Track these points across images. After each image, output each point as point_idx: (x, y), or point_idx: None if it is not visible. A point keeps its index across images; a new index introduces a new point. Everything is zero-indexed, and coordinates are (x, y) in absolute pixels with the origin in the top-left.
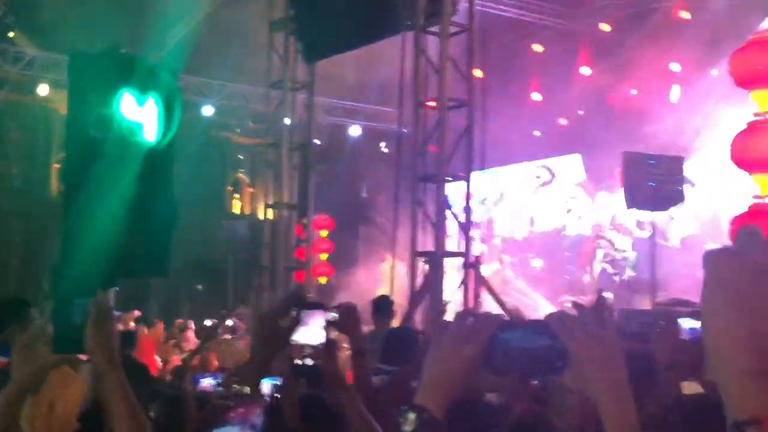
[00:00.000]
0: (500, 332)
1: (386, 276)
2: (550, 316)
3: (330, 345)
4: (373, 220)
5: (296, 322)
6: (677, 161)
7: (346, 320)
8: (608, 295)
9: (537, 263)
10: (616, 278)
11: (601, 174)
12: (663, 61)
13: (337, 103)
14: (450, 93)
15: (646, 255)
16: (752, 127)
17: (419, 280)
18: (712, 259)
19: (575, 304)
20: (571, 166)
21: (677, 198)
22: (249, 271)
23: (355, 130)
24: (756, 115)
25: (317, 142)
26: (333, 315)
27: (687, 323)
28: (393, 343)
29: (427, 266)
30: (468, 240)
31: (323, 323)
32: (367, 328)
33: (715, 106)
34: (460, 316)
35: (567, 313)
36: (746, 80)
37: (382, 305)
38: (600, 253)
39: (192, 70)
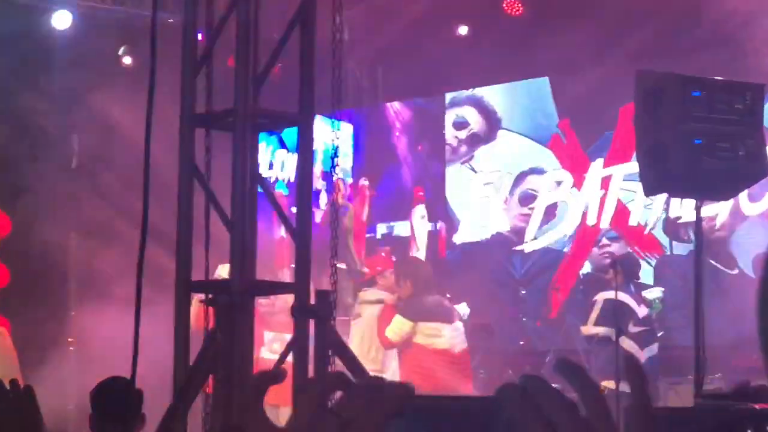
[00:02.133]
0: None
1: None
2: (503, 389)
3: None
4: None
5: None
6: (756, 92)
7: None
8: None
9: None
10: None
11: (586, 125)
12: None
13: None
14: None
15: (681, 291)
16: None
17: None
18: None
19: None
20: (511, 109)
21: (755, 170)
22: None
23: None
24: None
25: None
26: None
27: None
28: None
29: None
30: (304, 251)
31: None
32: None
33: None
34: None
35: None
36: None
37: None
38: (596, 290)
39: None
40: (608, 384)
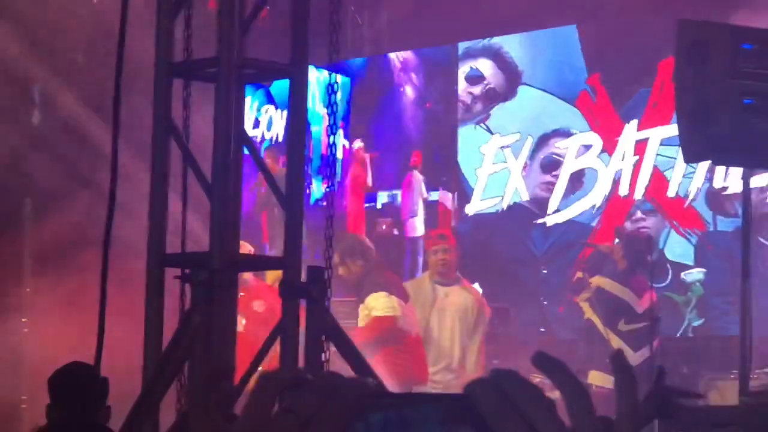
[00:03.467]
0: (361, 419)
1: None
2: (471, 384)
3: None
4: None
5: None
6: None
7: None
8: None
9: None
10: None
11: (619, 82)
12: None
13: None
14: None
15: (726, 274)
16: None
17: None
18: None
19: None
20: (533, 61)
21: None
22: None
23: None
24: None
25: None
26: None
27: None
28: None
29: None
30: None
31: None
32: None
33: None
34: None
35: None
36: None
37: None
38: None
39: None
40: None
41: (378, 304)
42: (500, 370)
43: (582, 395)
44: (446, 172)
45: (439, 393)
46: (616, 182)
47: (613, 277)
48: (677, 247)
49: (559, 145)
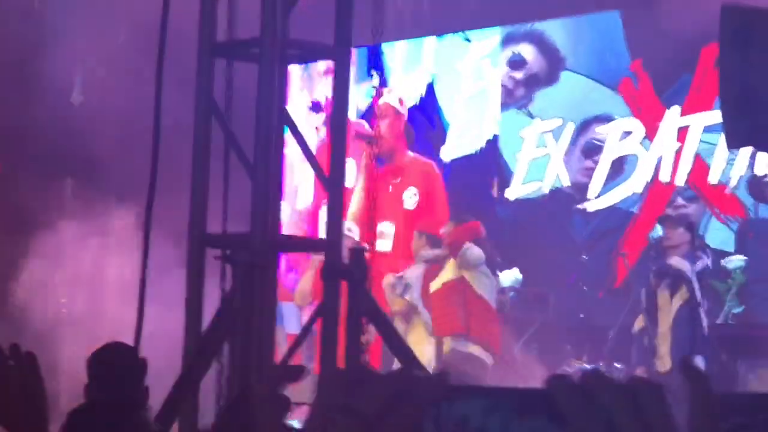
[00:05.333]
0: (442, 408)
1: None
2: (555, 383)
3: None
4: None
5: None
6: None
7: None
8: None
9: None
10: (702, 318)
11: (662, 67)
12: None
13: None
14: None
15: (766, 261)
16: None
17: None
18: None
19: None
20: (576, 47)
21: None
22: None
23: None
24: None
25: None
26: None
27: None
28: None
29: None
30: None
31: None
32: None
33: None
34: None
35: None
36: None
37: None
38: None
39: None
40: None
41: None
42: (587, 371)
43: (709, 416)
44: (488, 157)
45: (512, 387)
46: (657, 168)
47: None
48: (718, 234)
49: (600, 131)
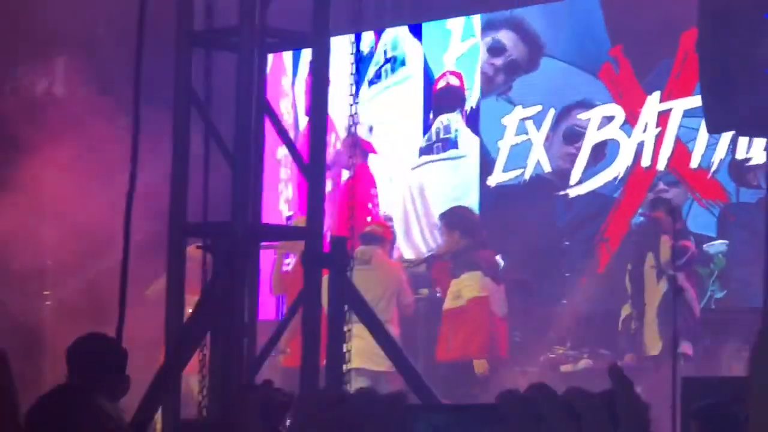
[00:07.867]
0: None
1: None
2: (502, 397)
3: None
4: None
5: None
6: None
7: None
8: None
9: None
10: (690, 302)
11: (642, 53)
12: None
13: None
14: None
15: (749, 245)
16: None
17: None
18: None
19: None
20: (555, 33)
21: None
22: None
23: None
24: None
25: None
26: None
27: None
28: None
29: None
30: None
31: None
32: None
33: None
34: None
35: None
36: None
37: None
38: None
39: None
40: None
41: (472, 283)
42: (534, 385)
43: (637, 417)
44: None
45: (475, 404)
46: (638, 154)
47: None
48: (700, 219)
49: (581, 117)
